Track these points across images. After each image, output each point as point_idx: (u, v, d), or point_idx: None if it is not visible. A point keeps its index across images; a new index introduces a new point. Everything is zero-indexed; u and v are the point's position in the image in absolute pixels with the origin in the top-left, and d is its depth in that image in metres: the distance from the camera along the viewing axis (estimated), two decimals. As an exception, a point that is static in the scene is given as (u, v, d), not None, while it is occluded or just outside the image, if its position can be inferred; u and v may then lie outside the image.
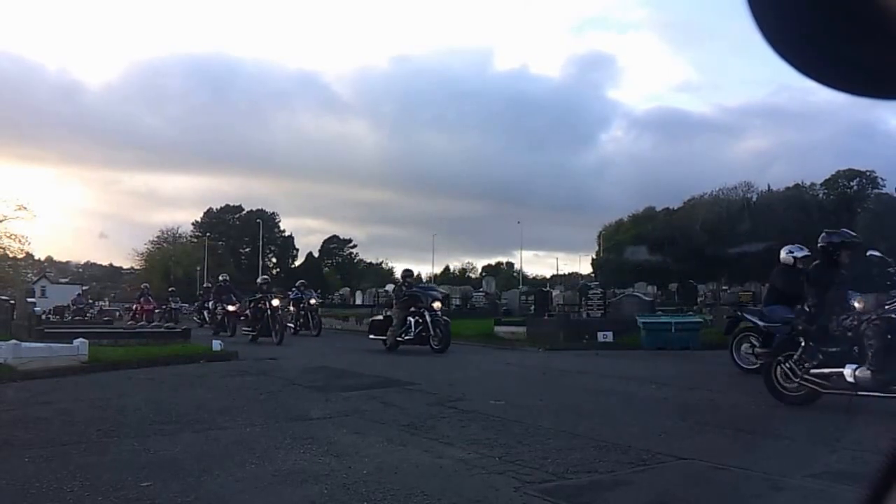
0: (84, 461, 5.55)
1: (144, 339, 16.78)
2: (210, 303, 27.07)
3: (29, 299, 20.03)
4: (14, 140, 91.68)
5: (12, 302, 20.92)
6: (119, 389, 10.00)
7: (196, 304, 35.79)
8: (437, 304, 16.56)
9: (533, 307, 28.21)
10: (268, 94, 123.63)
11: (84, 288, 37.69)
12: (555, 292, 33.99)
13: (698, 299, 31.01)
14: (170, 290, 35.16)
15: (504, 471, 5.20)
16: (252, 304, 20.66)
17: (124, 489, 4.73)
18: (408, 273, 18.64)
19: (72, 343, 12.24)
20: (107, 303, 64.82)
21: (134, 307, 32.40)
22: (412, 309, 16.31)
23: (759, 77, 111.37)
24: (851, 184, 68.69)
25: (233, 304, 22.33)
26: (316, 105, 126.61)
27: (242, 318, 21.80)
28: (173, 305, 31.81)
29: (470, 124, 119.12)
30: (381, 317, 17.79)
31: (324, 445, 6.08)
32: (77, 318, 33.50)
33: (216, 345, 14.74)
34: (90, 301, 41.71)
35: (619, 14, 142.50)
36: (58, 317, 37.31)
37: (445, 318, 16.71)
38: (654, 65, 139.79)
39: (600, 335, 17.59)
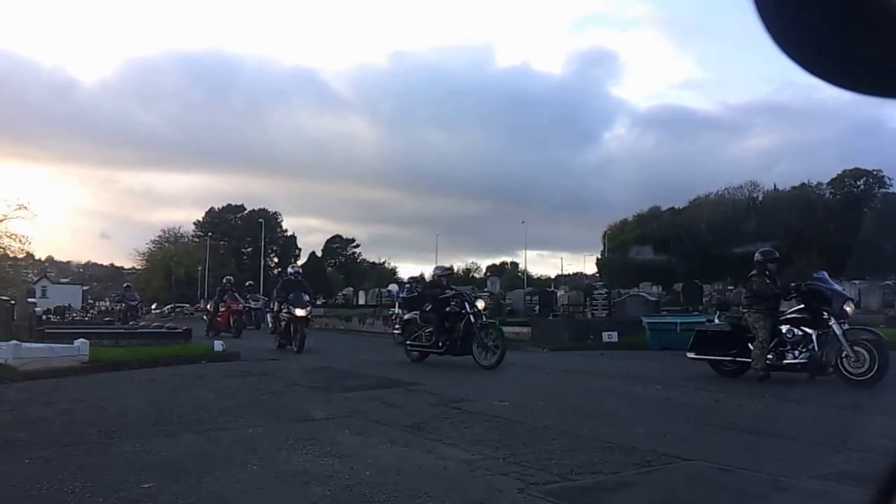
0: (85, 462, 5.52)
1: (145, 339, 16.75)
2: (274, 304, 19.79)
3: (29, 299, 19.97)
4: (10, 138, 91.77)
5: (13, 302, 20.91)
6: (120, 390, 9.99)
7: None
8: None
9: (537, 307, 28.17)
10: (265, 91, 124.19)
11: (126, 284, 33.75)
12: (559, 292, 33.99)
13: (703, 299, 30.88)
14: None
15: (508, 472, 5.16)
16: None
17: (125, 490, 4.69)
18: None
19: (72, 343, 12.23)
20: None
21: (209, 306, 26.54)
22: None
23: (763, 74, 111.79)
24: (858, 183, 68.55)
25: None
26: (314, 102, 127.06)
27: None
28: (253, 305, 27.20)
29: (471, 122, 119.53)
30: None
31: (326, 446, 6.04)
32: (131, 320, 27.39)
33: (217, 345, 14.73)
34: (138, 298, 32.62)
35: (621, 10, 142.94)
36: (58, 317, 37.12)
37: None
38: (656, 61, 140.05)
39: (605, 335, 17.56)
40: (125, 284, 33.69)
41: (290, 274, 18.29)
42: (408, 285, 20.93)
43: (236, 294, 24.09)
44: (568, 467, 5.27)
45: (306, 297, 17.15)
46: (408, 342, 13.58)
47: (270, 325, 23.42)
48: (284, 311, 16.68)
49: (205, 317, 27.68)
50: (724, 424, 7.47)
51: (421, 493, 4.63)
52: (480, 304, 13.44)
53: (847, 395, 8.81)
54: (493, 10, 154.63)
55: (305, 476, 5.09)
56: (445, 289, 13.63)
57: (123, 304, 29.91)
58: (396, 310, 20.18)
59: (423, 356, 13.36)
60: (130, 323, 25.97)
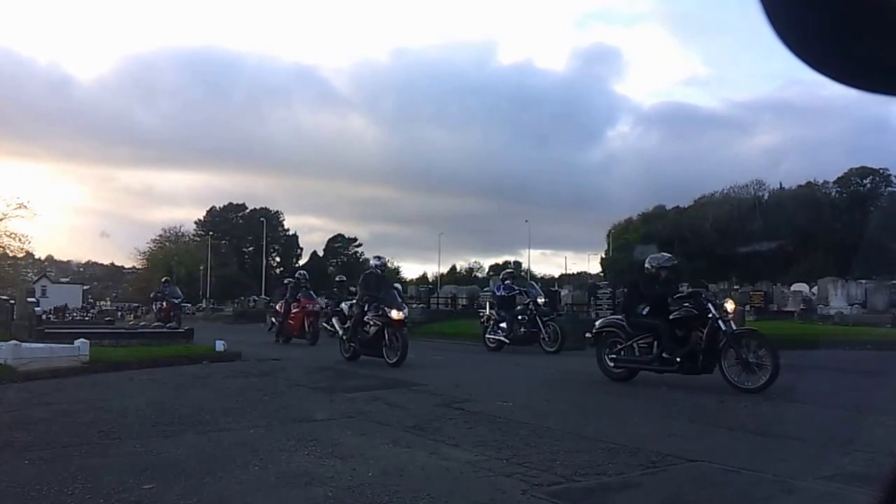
0: (85, 463, 5.49)
1: (146, 339, 16.74)
2: (345, 304, 17.78)
3: (29, 299, 19.95)
4: (8, 136, 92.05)
5: (12, 302, 20.90)
6: (121, 390, 9.97)
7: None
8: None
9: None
10: (265, 88, 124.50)
11: (165, 279, 29.99)
12: (563, 292, 33.88)
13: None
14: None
15: (511, 473, 5.13)
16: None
17: (126, 491, 4.67)
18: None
19: (73, 343, 12.21)
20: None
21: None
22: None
23: (768, 71, 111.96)
24: (865, 182, 68.38)
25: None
26: (315, 100, 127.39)
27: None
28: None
29: (474, 120, 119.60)
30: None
31: (328, 447, 6.01)
32: (173, 321, 24.18)
33: (219, 345, 14.69)
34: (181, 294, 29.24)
35: (625, 6, 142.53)
36: (56, 317, 36.75)
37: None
38: (660, 59, 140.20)
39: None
40: (164, 279, 29.63)
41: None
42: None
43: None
44: (572, 468, 5.24)
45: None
46: (610, 355, 10.82)
47: (270, 323, 23.52)
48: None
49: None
50: (729, 425, 7.44)
51: (423, 494, 4.60)
52: (730, 306, 10.44)
53: (850, 396, 8.76)
54: (496, 6, 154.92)
55: (307, 477, 5.06)
56: (671, 284, 10.77)
57: (164, 303, 25.78)
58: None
59: (632, 373, 10.71)
60: (170, 325, 22.75)
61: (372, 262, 15.22)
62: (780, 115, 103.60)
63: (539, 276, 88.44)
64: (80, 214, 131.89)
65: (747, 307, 25.77)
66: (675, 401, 9.08)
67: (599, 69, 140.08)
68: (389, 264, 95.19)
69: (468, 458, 5.61)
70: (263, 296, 57.18)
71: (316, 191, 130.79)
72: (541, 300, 16.84)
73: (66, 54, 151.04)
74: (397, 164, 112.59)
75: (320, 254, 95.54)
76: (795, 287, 35.27)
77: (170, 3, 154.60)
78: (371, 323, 13.55)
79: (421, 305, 31.28)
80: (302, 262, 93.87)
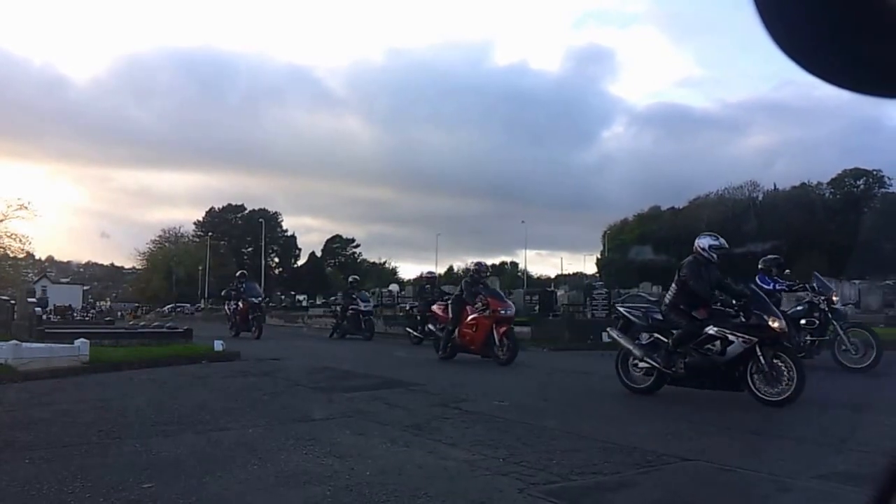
0: (85, 462, 5.51)
1: (146, 339, 16.75)
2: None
3: (30, 299, 19.96)
4: (4, 137, 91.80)
5: (13, 302, 20.92)
6: (120, 390, 9.98)
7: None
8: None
9: (537, 307, 28.13)
10: (260, 89, 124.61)
11: (240, 273, 24.70)
12: (559, 292, 33.93)
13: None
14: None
15: (508, 472, 5.16)
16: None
17: (126, 490, 4.69)
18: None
19: (73, 343, 12.22)
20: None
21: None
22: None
23: (762, 72, 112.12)
24: (858, 183, 68.63)
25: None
26: (309, 101, 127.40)
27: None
28: (363, 307, 21.83)
29: (469, 120, 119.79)
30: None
31: (327, 447, 6.04)
32: (253, 325, 21.45)
33: (218, 345, 14.71)
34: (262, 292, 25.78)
35: (620, 7, 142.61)
36: (59, 317, 36.60)
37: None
38: (654, 59, 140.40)
39: (605, 335, 17.50)
40: (239, 272, 24.53)
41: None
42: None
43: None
44: (568, 467, 5.28)
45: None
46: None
47: (230, 316, 22.76)
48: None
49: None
50: (725, 425, 7.47)
51: (421, 493, 4.63)
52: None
53: (844, 395, 8.81)
54: (491, 6, 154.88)
55: (306, 476, 5.09)
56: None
57: (241, 303, 22.21)
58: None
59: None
60: (252, 330, 20.99)
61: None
62: (774, 116, 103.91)
63: (535, 276, 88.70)
64: (79, 215, 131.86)
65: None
66: (670, 400, 9.11)
67: (594, 70, 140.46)
68: (387, 265, 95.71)
69: (465, 458, 5.64)
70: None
71: (313, 191, 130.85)
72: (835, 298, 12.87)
73: (61, 55, 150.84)
74: (394, 164, 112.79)
75: (318, 254, 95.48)
76: (789, 287, 35.28)
77: (165, 4, 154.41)
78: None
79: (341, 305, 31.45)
80: (300, 262, 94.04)
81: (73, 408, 8.33)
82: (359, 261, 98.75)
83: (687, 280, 8.90)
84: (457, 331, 13.62)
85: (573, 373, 12.35)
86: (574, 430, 6.94)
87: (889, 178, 65.51)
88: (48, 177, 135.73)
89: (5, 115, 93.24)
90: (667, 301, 9.30)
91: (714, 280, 8.98)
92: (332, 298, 33.26)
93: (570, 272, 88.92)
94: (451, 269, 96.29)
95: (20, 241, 54.60)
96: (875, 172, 67.45)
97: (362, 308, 21.64)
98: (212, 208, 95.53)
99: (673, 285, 9.25)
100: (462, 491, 4.76)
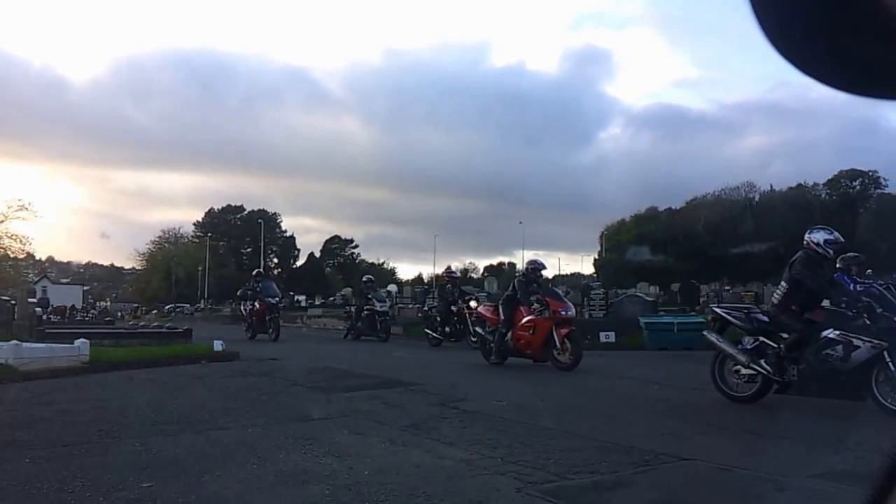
0: (85, 462, 5.54)
1: (146, 339, 16.77)
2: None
3: (30, 300, 20.00)
4: (3, 138, 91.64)
5: (13, 302, 20.95)
6: (120, 390, 10.00)
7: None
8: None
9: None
10: (258, 90, 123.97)
11: (256, 271, 24.09)
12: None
13: (700, 299, 30.94)
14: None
15: (506, 471, 5.18)
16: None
17: (125, 489, 4.72)
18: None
19: (73, 344, 12.24)
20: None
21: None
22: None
23: (758, 73, 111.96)
24: (854, 184, 68.70)
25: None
26: (307, 102, 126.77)
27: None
28: (379, 307, 20.84)
29: (467, 121, 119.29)
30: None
31: (325, 446, 6.06)
32: (270, 328, 20.25)
33: (217, 345, 14.73)
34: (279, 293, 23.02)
35: (616, 8, 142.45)
36: (58, 317, 36.61)
37: None
38: (651, 60, 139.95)
39: (602, 335, 17.57)
40: (256, 271, 23.53)
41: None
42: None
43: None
44: (566, 467, 5.30)
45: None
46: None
47: (246, 317, 21.31)
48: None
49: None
50: (721, 424, 7.50)
51: (419, 492, 4.65)
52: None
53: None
54: (488, 8, 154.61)
55: (305, 475, 5.11)
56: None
57: (258, 303, 20.77)
58: None
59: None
60: (270, 332, 19.86)
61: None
62: (771, 117, 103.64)
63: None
64: (79, 216, 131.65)
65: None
66: (667, 400, 9.15)
67: (591, 71, 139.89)
68: (385, 265, 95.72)
69: (463, 457, 5.66)
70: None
71: (312, 192, 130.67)
72: None
73: (60, 56, 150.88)
74: (392, 165, 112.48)
75: (317, 255, 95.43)
76: (787, 288, 35.36)
77: (164, 6, 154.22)
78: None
79: (416, 306, 31.26)
80: (299, 263, 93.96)
81: (73, 407, 8.35)
82: (357, 261, 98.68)
83: (803, 279, 8.10)
84: (509, 334, 12.60)
85: (570, 373, 12.35)
86: (571, 430, 6.96)
87: (885, 179, 65.54)
88: (48, 177, 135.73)
89: (5, 117, 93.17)
90: (775, 301, 8.52)
91: (828, 279, 8.40)
92: (333, 299, 32.64)
93: (568, 273, 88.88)
94: (448, 269, 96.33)
95: (21, 241, 54.62)
96: (871, 173, 67.49)
97: (378, 308, 20.80)
98: (211, 209, 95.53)
99: (783, 284, 8.43)
100: (460, 490, 4.78)
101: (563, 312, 12.13)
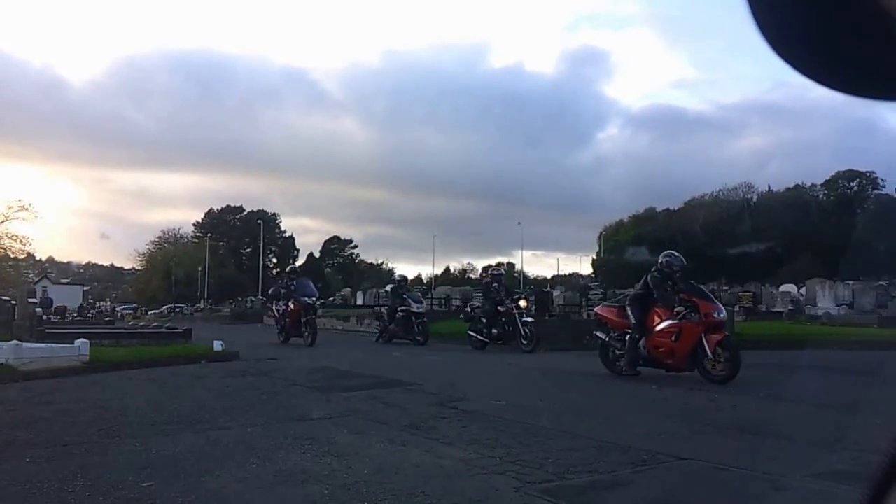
0: (85, 461, 5.55)
1: (145, 339, 16.78)
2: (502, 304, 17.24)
3: (30, 300, 20.02)
4: (2, 139, 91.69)
5: (13, 302, 20.97)
6: (120, 390, 10.01)
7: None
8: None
9: (534, 308, 28.16)
10: (257, 91, 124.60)
11: (290, 268, 23.92)
12: (555, 293, 34.00)
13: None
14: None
15: (505, 471, 5.19)
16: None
17: (125, 489, 4.73)
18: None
19: (73, 343, 12.26)
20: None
21: (384, 309, 21.40)
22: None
23: (756, 74, 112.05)
24: (851, 184, 68.75)
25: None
26: (306, 102, 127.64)
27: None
28: (416, 307, 19.75)
29: (465, 122, 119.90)
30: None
31: (325, 446, 6.07)
32: (305, 330, 18.35)
33: (217, 345, 14.74)
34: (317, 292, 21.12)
35: (614, 9, 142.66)
36: (58, 317, 36.62)
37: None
38: (649, 61, 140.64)
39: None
40: (290, 268, 22.32)
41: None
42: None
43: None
44: (564, 466, 5.31)
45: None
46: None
47: (278, 319, 19.60)
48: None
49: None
50: (719, 424, 7.50)
51: (418, 491, 4.66)
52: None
53: (838, 395, 8.86)
54: (486, 9, 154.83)
55: (304, 475, 5.12)
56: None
57: (292, 304, 18.99)
58: None
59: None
60: (305, 335, 18.09)
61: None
62: (768, 118, 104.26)
63: (532, 277, 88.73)
64: (79, 216, 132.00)
65: (737, 308, 25.97)
66: (665, 399, 9.17)
67: (589, 72, 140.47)
68: (384, 266, 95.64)
69: (462, 457, 5.67)
70: (260, 296, 57.11)
71: (311, 193, 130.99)
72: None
73: (59, 57, 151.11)
74: (391, 166, 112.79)
75: (317, 255, 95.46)
76: (784, 288, 35.57)
77: (162, 6, 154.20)
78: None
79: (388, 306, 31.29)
80: (299, 263, 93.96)
81: (73, 407, 8.36)
82: (356, 261, 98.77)
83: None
84: (643, 340, 11.03)
85: (570, 373, 12.38)
86: (570, 430, 6.98)
87: (882, 180, 65.60)
88: (48, 178, 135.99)
89: (4, 117, 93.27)
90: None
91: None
92: (333, 299, 31.80)
93: (567, 273, 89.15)
94: (447, 269, 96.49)
95: (21, 241, 54.77)
96: (868, 174, 67.53)
97: (414, 309, 19.44)
98: (210, 209, 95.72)
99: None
100: (459, 490, 4.79)
101: (716, 315, 10.55)
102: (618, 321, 11.67)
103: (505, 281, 19.78)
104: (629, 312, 11.31)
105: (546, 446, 6.07)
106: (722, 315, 10.80)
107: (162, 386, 10.32)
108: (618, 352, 11.44)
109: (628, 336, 11.18)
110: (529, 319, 16.96)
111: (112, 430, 6.92)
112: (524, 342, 16.26)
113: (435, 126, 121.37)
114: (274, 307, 20.55)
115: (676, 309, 10.62)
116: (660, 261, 11.36)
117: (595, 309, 14.01)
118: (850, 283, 31.63)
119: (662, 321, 10.80)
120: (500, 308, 17.16)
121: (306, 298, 18.72)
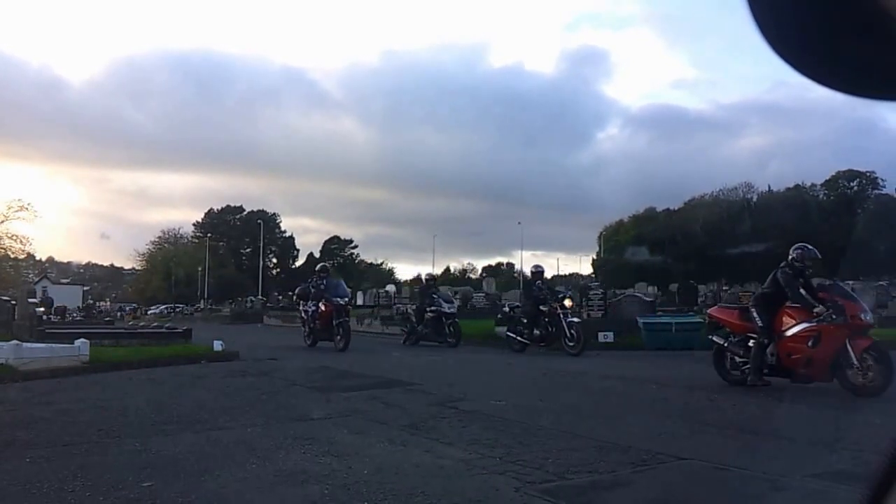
0: (85, 461, 5.56)
1: (145, 339, 16.78)
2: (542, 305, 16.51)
3: (30, 300, 20.03)
4: (1, 139, 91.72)
5: (13, 302, 20.98)
6: (120, 390, 10.02)
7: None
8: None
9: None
10: (256, 91, 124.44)
11: (321, 266, 20.31)
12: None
13: (699, 300, 31.00)
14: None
15: (505, 471, 5.19)
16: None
17: (125, 489, 4.73)
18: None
19: (73, 344, 12.27)
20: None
21: (412, 308, 20.91)
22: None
23: (756, 74, 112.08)
24: (852, 184, 68.68)
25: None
26: (305, 102, 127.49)
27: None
28: (446, 308, 19.14)
29: (465, 122, 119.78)
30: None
31: (324, 446, 6.07)
32: (337, 334, 17.09)
33: (217, 345, 14.75)
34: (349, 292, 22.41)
35: (614, 8, 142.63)
36: (58, 317, 36.58)
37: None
38: (648, 61, 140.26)
39: (601, 336, 17.56)
40: (320, 266, 20.40)
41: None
42: None
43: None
44: (564, 466, 5.31)
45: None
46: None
47: (307, 321, 18.18)
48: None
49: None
50: (719, 424, 7.51)
51: (418, 491, 4.66)
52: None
53: (841, 395, 8.86)
54: (486, 8, 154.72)
55: (304, 475, 5.12)
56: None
57: (322, 305, 17.64)
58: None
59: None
60: (337, 339, 16.90)
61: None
62: (768, 118, 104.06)
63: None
64: (79, 216, 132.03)
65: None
66: (665, 400, 9.17)
67: (588, 72, 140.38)
68: (384, 266, 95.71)
69: (462, 457, 5.67)
70: (260, 296, 57.14)
71: (311, 193, 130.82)
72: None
73: (58, 57, 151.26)
74: (390, 166, 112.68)
75: (317, 255, 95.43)
76: (784, 288, 35.38)
77: (161, 6, 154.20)
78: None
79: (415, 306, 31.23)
80: (299, 263, 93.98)
81: (73, 407, 8.37)
82: (356, 261, 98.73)
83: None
84: (771, 345, 9.80)
85: (569, 373, 12.38)
86: (570, 430, 6.97)
87: (882, 180, 65.52)
88: (48, 178, 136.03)
89: (4, 117, 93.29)
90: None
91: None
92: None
93: (566, 273, 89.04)
94: (447, 269, 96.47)
95: (21, 242, 54.80)
96: (868, 174, 67.45)
97: (446, 310, 18.60)
98: (210, 209, 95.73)
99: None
100: (459, 490, 4.79)
101: (863, 317, 9.35)
102: (739, 324, 10.37)
103: (546, 279, 18.81)
104: (754, 314, 10.04)
105: (546, 446, 6.07)
106: (869, 317, 9.68)
107: (162, 386, 10.33)
108: (738, 359, 10.18)
109: (752, 341, 9.96)
110: (576, 320, 16.19)
111: (112, 430, 6.93)
112: (570, 344, 15.43)
113: (434, 126, 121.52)
114: (301, 308, 19.04)
115: (816, 310, 9.34)
116: (791, 254, 9.94)
117: (709, 311, 12.73)
118: (850, 283, 31.60)
119: (796, 324, 9.57)
120: (542, 308, 16.32)
121: (338, 299, 17.45)
